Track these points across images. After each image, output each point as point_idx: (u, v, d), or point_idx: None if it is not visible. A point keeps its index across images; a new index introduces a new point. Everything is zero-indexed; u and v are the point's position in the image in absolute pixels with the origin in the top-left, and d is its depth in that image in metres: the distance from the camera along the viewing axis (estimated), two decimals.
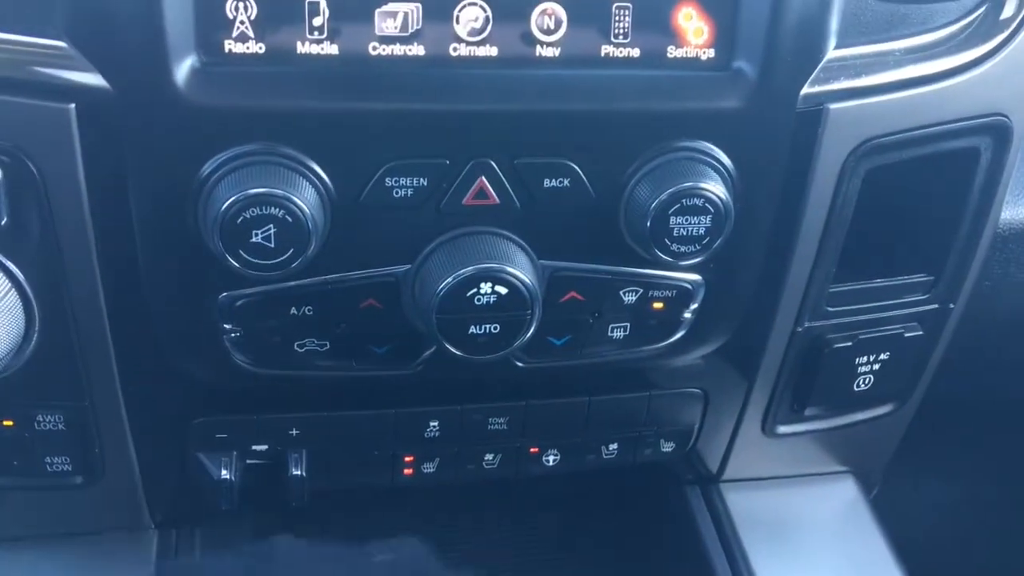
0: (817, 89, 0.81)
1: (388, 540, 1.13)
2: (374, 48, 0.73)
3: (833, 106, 0.82)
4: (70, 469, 0.91)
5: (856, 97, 0.83)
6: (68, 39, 0.71)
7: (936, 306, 1.01)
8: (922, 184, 0.93)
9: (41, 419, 0.87)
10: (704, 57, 0.78)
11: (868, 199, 0.90)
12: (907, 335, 1.00)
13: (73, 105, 0.72)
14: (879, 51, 0.84)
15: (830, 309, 0.96)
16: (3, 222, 0.75)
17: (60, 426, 0.87)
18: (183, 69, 0.71)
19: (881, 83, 0.84)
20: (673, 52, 0.77)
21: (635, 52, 0.77)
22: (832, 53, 0.81)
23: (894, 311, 0.99)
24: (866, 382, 1.03)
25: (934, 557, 1.18)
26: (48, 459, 0.90)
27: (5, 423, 0.87)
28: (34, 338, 0.80)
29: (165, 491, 0.97)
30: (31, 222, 0.75)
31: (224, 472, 0.91)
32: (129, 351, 0.84)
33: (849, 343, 0.98)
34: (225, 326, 0.81)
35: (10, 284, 0.77)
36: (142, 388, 0.88)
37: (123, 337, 0.83)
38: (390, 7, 0.72)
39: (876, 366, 1.01)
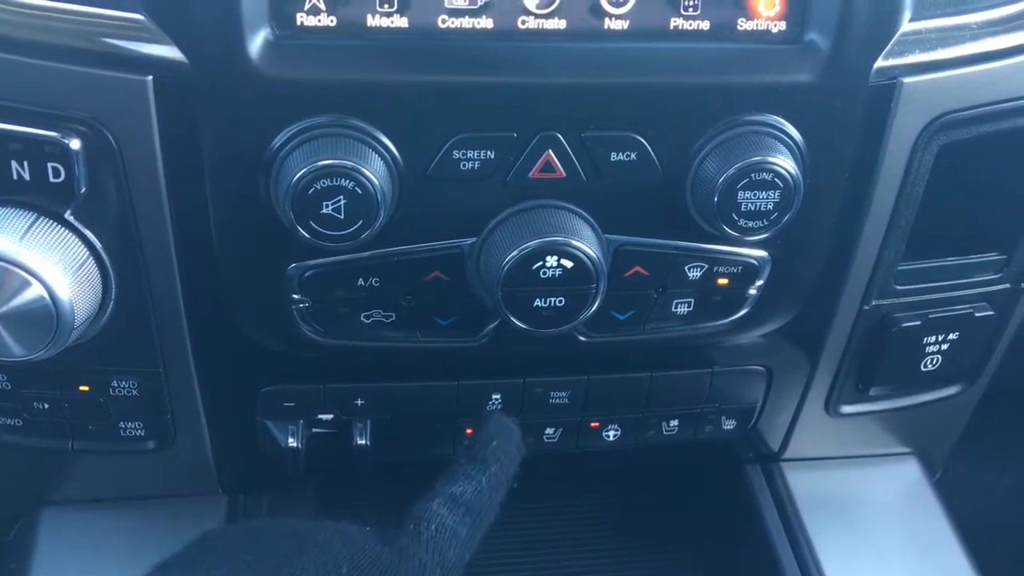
0: (891, 62, 0.80)
1: None
2: (443, 21, 0.74)
3: (907, 80, 0.81)
4: (143, 434, 0.93)
5: (931, 71, 0.82)
6: (146, 12, 0.72)
7: (1008, 286, 0.99)
8: (996, 161, 0.91)
9: (116, 385, 0.89)
10: (775, 30, 0.77)
11: (940, 175, 0.88)
12: (977, 315, 0.99)
13: (150, 77, 0.73)
14: (955, 24, 0.83)
15: (899, 287, 0.95)
16: (82, 192, 0.76)
17: (134, 392, 0.90)
18: (257, 42, 0.72)
19: (956, 56, 0.83)
20: (744, 24, 0.76)
21: (705, 25, 0.76)
22: (906, 26, 0.80)
23: (964, 290, 0.98)
24: (933, 362, 1.01)
25: (998, 542, 1.17)
26: (122, 424, 0.92)
27: (81, 388, 0.89)
28: (110, 306, 0.83)
29: (234, 458, 0.99)
30: (109, 192, 0.77)
31: (291, 440, 0.93)
32: (201, 320, 0.86)
33: (917, 322, 0.97)
34: (294, 296, 0.82)
35: (88, 253, 0.79)
36: (213, 356, 0.89)
37: (195, 306, 0.85)
38: None
39: (944, 346, 1.00)
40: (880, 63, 0.79)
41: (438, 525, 0.77)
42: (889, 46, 0.79)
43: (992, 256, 0.97)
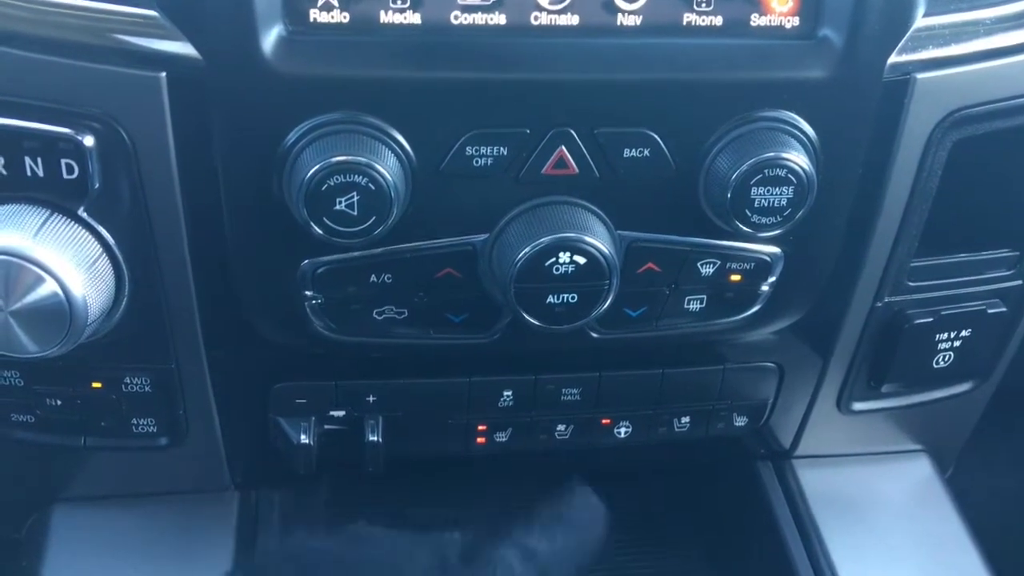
0: (904, 58, 0.80)
1: (461, 506, 1.14)
2: (456, 17, 0.74)
3: (921, 76, 0.81)
4: (155, 431, 0.93)
5: (944, 67, 0.82)
6: (159, 8, 0.73)
7: (1020, 283, 0.99)
8: (1009, 157, 0.91)
9: (128, 381, 0.89)
10: (788, 25, 0.77)
11: (953, 171, 0.88)
12: (990, 312, 0.98)
13: (164, 74, 0.73)
14: (968, 19, 0.83)
15: (911, 284, 0.95)
16: (95, 188, 0.77)
17: (146, 388, 0.90)
18: (270, 38, 0.72)
19: (970, 52, 0.82)
20: (757, 20, 0.76)
21: (718, 20, 0.76)
22: (920, 21, 0.80)
23: (977, 287, 0.97)
24: (946, 359, 1.01)
25: (1009, 540, 1.16)
26: (134, 420, 0.92)
27: (94, 385, 0.90)
28: (123, 302, 0.83)
29: (246, 454, 1.00)
30: (122, 188, 0.77)
31: (303, 437, 0.93)
32: (214, 316, 0.86)
33: (930, 319, 0.97)
34: (306, 293, 0.82)
35: (101, 249, 0.79)
36: (226, 353, 0.90)
37: (208, 302, 0.85)
38: None
39: (957, 343, 1.00)
40: (894, 59, 0.79)
41: None
42: (903, 42, 0.79)
43: (1005, 253, 0.97)
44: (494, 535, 1.00)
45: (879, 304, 0.95)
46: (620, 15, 0.75)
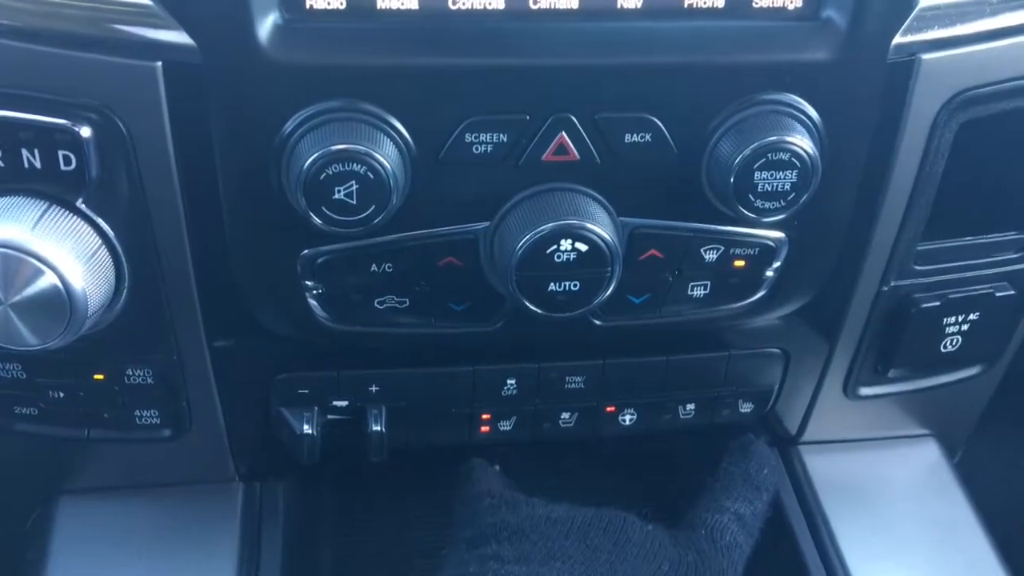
0: (909, 39, 0.79)
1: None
2: (454, 2, 0.73)
3: (926, 56, 0.80)
4: (158, 422, 0.93)
5: (950, 47, 0.80)
6: None
7: None
8: (1016, 138, 0.90)
9: (131, 373, 0.89)
10: (791, 6, 0.76)
11: (960, 153, 0.87)
12: (998, 295, 0.97)
13: (160, 63, 0.73)
14: None
15: (918, 267, 0.94)
16: (93, 179, 0.76)
17: (149, 380, 0.90)
18: (266, 26, 0.71)
19: (976, 32, 0.81)
20: (759, 2, 0.75)
21: (720, 2, 0.75)
22: (925, 1, 0.79)
23: (984, 270, 0.96)
24: (953, 343, 1.00)
25: (1018, 524, 1.16)
26: (137, 412, 0.92)
27: (96, 377, 0.89)
28: (124, 294, 0.82)
29: (249, 445, 0.99)
30: (120, 179, 0.77)
31: (306, 427, 0.93)
32: (215, 307, 0.86)
33: (937, 303, 0.96)
34: (307, 283, 0.82)
35: (101, 241, 0.79)
36: (227, 344, 0.89)
37: (209, 293, 0.85)
38: None
39: (964, 327, 0.99)
40: (898, 39, 0.78)
41: (731, 537, 0.89)
42: (907, 22, 0.78)
43: (1012, 235, 0.96)
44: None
45: (885, 288, 0.95)
46: None
